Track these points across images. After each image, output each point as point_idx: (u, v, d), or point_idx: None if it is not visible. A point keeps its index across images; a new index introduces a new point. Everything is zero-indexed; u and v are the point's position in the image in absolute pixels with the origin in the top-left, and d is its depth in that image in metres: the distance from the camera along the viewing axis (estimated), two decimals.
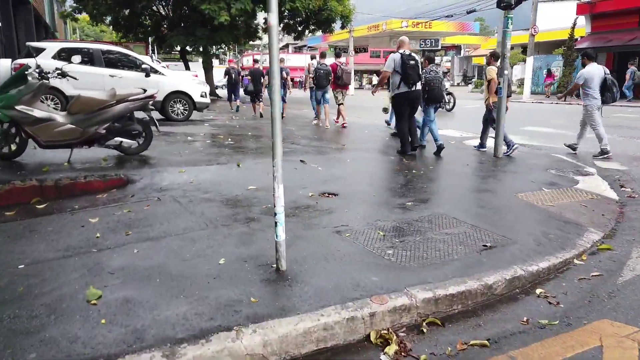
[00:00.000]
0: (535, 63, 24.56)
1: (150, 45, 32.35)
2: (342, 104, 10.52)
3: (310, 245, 3.33)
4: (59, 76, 5.36)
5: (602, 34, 21.96)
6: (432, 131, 7.37)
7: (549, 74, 25.01)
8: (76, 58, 5.57)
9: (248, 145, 7.37)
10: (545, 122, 12.71)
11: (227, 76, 15.29)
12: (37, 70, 5.04)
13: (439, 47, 45.08)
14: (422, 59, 7.85)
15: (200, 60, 28.41)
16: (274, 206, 2.87)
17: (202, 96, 10.89)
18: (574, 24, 21.26)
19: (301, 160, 6.05)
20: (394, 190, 4.95)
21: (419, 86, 6.90)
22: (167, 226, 3.65)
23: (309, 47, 65.77)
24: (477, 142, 8.08)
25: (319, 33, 33.66)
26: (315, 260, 3.05)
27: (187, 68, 26.74)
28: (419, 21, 40.10)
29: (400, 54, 6.74)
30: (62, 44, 9.43)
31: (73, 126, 5.22)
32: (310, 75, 11.01)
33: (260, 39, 31.12)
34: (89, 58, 9.60)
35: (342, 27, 27.75)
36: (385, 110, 10.53)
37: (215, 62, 32.49)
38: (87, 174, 4.83)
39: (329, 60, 11.04)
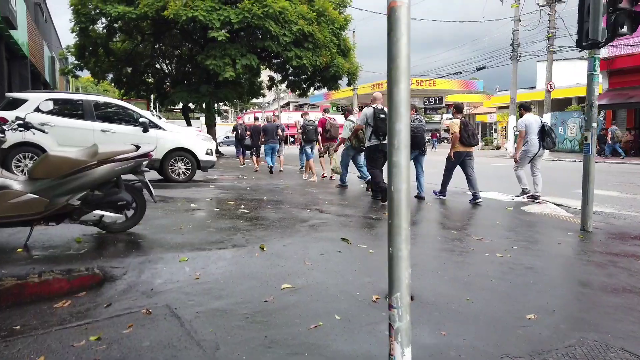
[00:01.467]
0: (551, 120, 23.70)
1: (152, 102, 31.89)
2: (329, 155, 11.11)
3: None
4: (20, 128, 3.99)
5: (621, 91, 21.21)
6: (418, 179, 7.85)
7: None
8: (46, 104, 4.23)
9: (267, 215, 5.86)
10: (599, 182, 11.32)
11: (235, 132, 15.14)
12: None
13: (443, 105, 44.91)
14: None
15: (202, 117, 27.72)
16: None
17: (207, 154, 9.55)
18: None
19: (343, 239, 4.56)
20: (494, 290, 3.42)
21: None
22: None
23: (310, 105, 66.16)
24: (536, 206, 7.30)
25: (321, 91, 33.33)
26: None
27: (189, 124, 25.98)
28: (422, 79, 40.02)
29: (373, 108, 7.23)
30: (47, 94, 8.13)
31: (35, 196, 3.76)
32: (299, 131, 11.99)
33: (263, 96, 30.74)
34: (79, 110, 8.34)
35: (349, 84, 27.23)
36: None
37: (216, 119, 31.83)
38: (46, 268, 3.30)
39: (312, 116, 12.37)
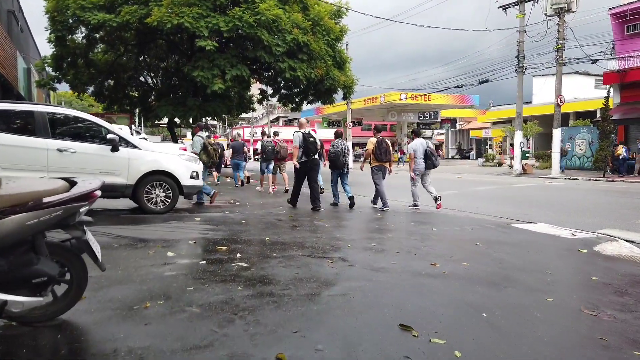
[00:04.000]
0: (560, 135, 22.44)
1: (137, 117, 30.18)
2: (281, 172, 12.76)
3: None
4: None
5: (635, 105, 20.08)
6: (333, 189, 9.58)
7: (512, 146, 26.80)
8: None
9: (276, 272, 4.11)
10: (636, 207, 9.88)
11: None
12: None
13: (438, 120, 43.72)
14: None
15: (189, 133, 26.10)
16: None
17: (192, 177, 7.86)
18: (608, 94, 19.34)
19: (403, 327, 2.89)
20: None
21: (317, 157, 8.82)
22: None
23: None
24: (609, 246, 5.73)
25: (311, 106, 31.90)
26: None
27: (175, 140, 24.37)
28: (417, 94, 38.86)
29: (303, 133, 8.56)
30: None
31: None
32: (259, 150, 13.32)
33: (253, 110, 29.30)
34: (29, 124, 6.64)
35: (344, 98, 25.82)
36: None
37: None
38: None
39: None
